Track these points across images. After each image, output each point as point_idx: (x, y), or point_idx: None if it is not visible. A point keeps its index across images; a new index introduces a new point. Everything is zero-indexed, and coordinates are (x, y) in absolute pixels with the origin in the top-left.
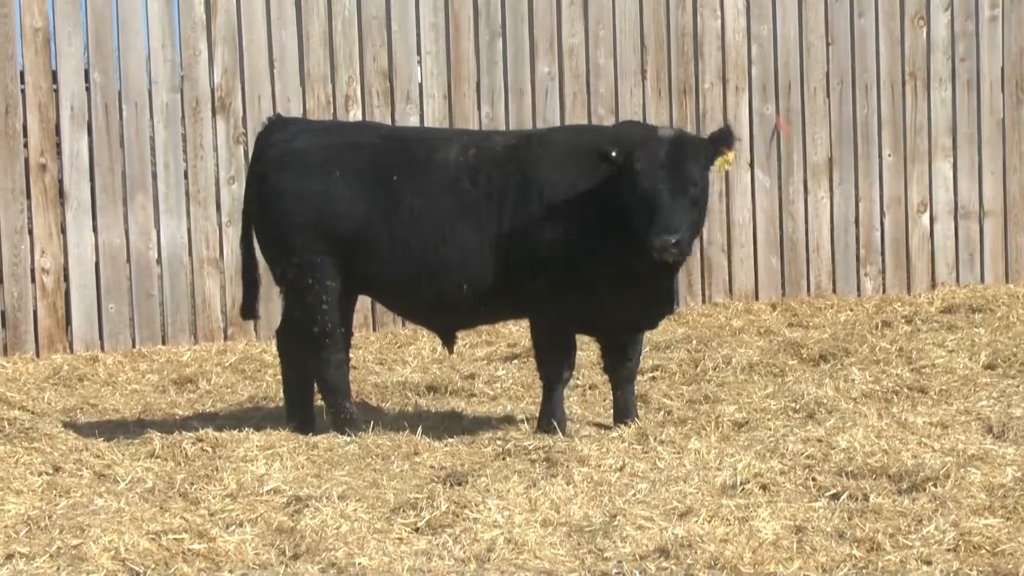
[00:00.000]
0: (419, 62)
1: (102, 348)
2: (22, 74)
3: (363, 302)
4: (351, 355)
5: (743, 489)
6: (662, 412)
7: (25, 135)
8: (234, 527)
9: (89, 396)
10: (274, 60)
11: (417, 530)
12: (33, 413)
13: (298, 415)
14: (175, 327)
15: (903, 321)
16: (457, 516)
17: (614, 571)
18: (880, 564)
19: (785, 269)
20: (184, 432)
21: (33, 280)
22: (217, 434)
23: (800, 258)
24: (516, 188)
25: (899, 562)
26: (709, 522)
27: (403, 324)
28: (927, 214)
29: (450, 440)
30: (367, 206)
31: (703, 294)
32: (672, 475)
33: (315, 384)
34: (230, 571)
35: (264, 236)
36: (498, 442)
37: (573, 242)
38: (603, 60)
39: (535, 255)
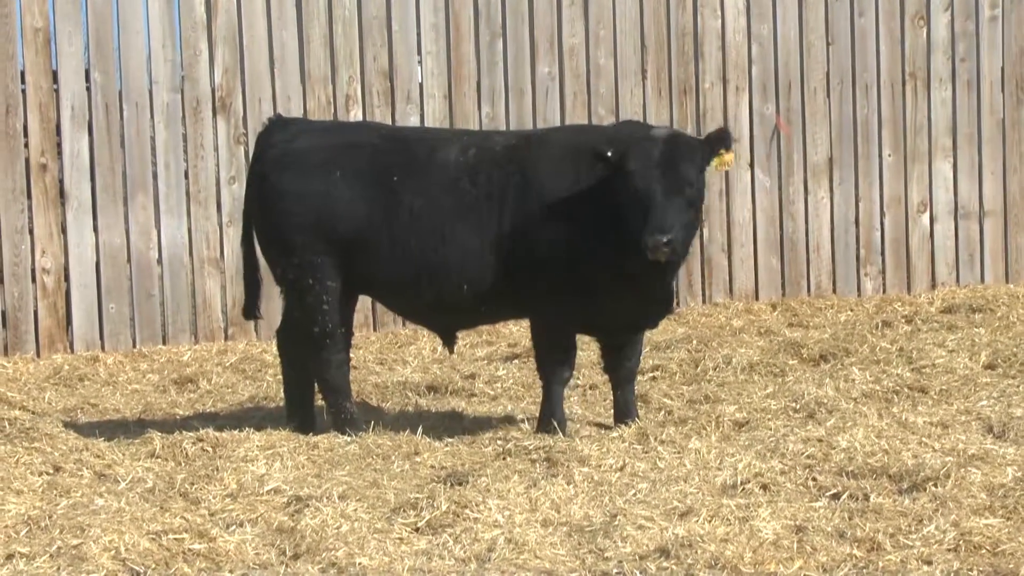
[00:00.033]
0: (419, 62)
1: (103, 348)
2: (23, 74)
3: (364, 302)
4: (351, 355)
5: (743, 489)
6: (662, 412)
7: (26, 135)
8: (234, 527)
9: (89, 396)
10: (275, 60)
11: (417, 530)
12: (34, 413)
13: (299, 415)
14: (176, 327)
15: (903, 321)
16: (457, 516)
17: (614, 571)
18: (880, 564)
19: (785, 269)
20: (184, 432)
21: (34, 280)
22: (217, 434)
23: (800, 258)
24: (516, 188)
25: (900, 562)
26: (710, 522)
27: (404, 324)
28: (927, 214)
29: (450, 440)
30: (367, 206)
31: (703, 294)
32: (672, 475)
33: (316, 384)
34: (230, 571)
35: (265, 236)
36: (498, 442)
37: (573, 242)
38: (603, 60)
39: (535, 255)
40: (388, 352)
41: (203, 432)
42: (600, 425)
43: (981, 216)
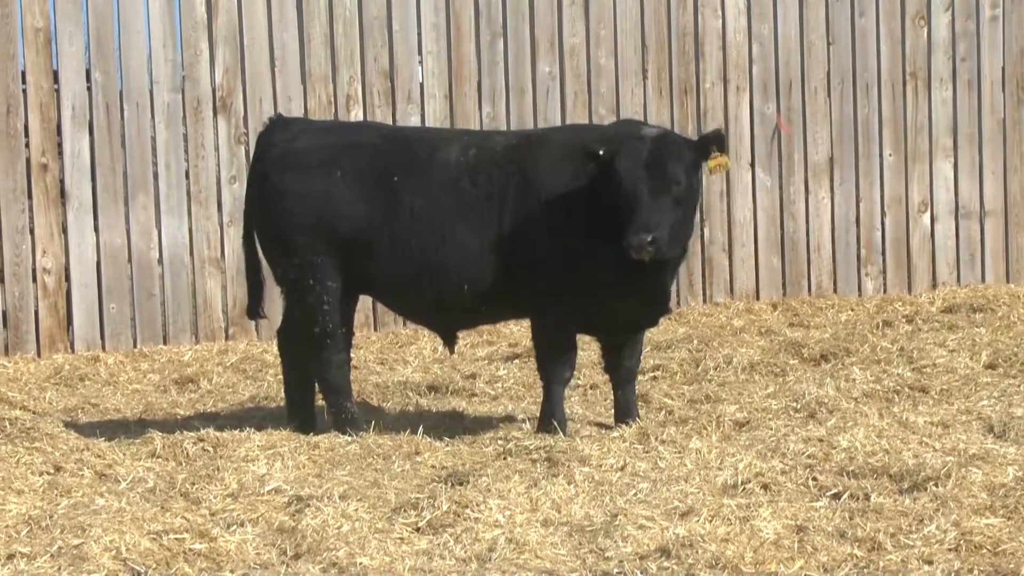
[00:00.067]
0: (420, 62)
1: (103, 348)
2: (23, 74)
3: (364, 302)
4: (352, 355)
5: (744, 489)
6: (663, 412)
7: (26, 135)
8: (235, 527)
9: (90, 396)
10: (275, 60)
11: (418, 530)
12: (34, 413)
13: (299, 415)
14: (176, 327)
15: (904, 321)
16: (458, 516)
17: (615, 571)
18: (881, 564)
19: (786, 269)
20: (185, 432)
21: (34, 280)
22: (218, 434)
23: (801, 258)
24: (516, 188)
25: (900, 562)
26: (710, 522)
27: (404, 324)
28: (928, 214)
29: (451, 440)
30: (368, 206)
31: (704, 294)
32: (673, 475)
33: (316, 384)
34: (231, 571)
35: (265, 236)
36: (499, 442)
37: (573, 242)
38: (604, 60)
39: (535, 255)
40: (389, 352)
41: (204, 432)
42: (601, 425)
43: (982, 216)
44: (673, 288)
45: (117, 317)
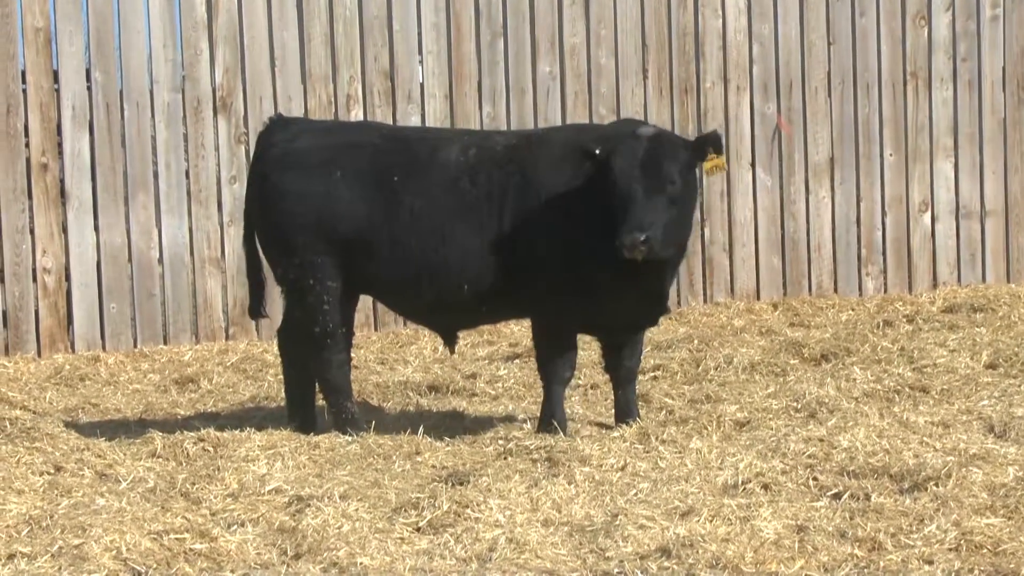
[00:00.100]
0: (420, 62)
1: (103, 348)
2: (23, 74)
3: (365, 301)
4: (353, 355)
5: (745, 489)
6: (664, 412)
7: (26, 135)
8: (236, 527)
9: (90, 396)
10: (275, 60)
11: (419, 530)
12: (34, 413)
13: (300, 415)
14: (176, 327)
15: (904, 321)
16: (459, 516)
17: (616, 571)
18: (882, 564)
19: (786, 269)
20: (186, 432)
21: (35, 280)
22: (219, 434)
23: (801, 258)
24: (516, 188)
25: (901, 562)
26: (711, 521)
27: (405, 324)
28: (928, 214)
29: (452, 440)
30: (368, 206)
31: (704, 294)
32: (674, 475)
33: (317, 384)
34: (232, 571)
35: (265, 236)
36: (500, 442)
37: (573, 242)
38: (604, 59)
39: (535, 254)
40: (389, 352)
41: (204, 432)
42: (601, 425)
43: (982, 216)
44: (674, 288)
45: (117, 317)
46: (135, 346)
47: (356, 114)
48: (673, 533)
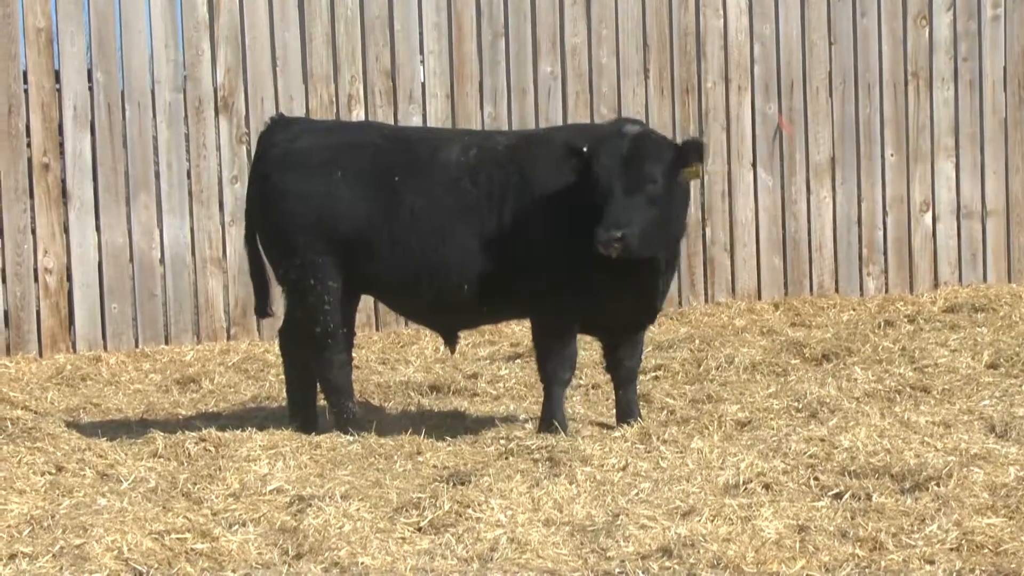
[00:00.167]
0: (422, 62)
1: (105, 348)
2: (25, 74)
3: (366, 301)
4: (354, 354)
5: (746, 488)
6: (665, 411)
7: (28, 135)
8: (237, 527)
9: (92, 396)
10: (277, 59)
11: (420, 530)
12: (36, 413)
13: (301, 415)
14: (178, 327)
15: (906, 320)
16: (460, 516)
17: (617, 570)
18: (883, 563)
19: (788, 268)
20: (187, 432)
21: (36, 280)
22: (220, 434)
23: (803, 257)
24: (516, 188)
25: (902, 561)
26: (712, 521)
27: (406, 324)
28: (930, 213)
29: (453, 440)
30: (369, 206)
31: (706, 293)
32: (675, 474)
33: (318, 384)
34: (233, 571)
35: (266, 236)
36: (501, 441)
37: (572, 242)
38: (606, 59)
39: (535, 254)
40: (390, 352)
41: (206, 432)
42: (602, 425)
43: (984, 215)
44: (675, 288)
45: (119, 317)
46: (136, 346)
47: (357, 114)
48: (674, 533)
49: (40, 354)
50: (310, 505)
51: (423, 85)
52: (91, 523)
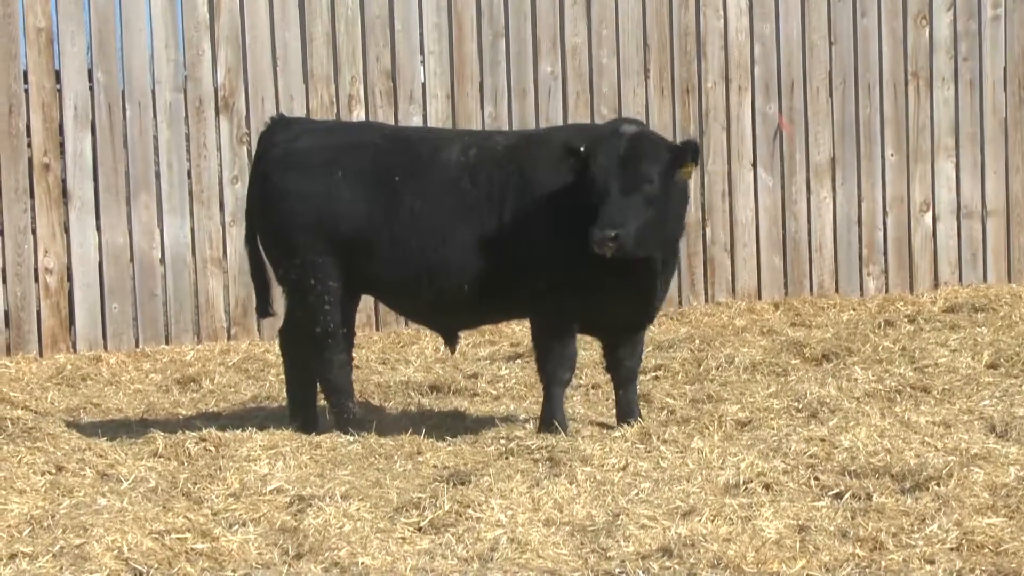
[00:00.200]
0: (422, 62)
1: (105, 348)
2: (25, 74)
3: (366, 301)
4: (354, 354)
5: (746, 488)
6: (665, 411)
7: (28, 135)
8: (237, 527)
9: (92, 396)
10: (277, 60)
11: (420, 529)
12: (36, 413)
13: (301, 415)
14: (178, 327)
15: (906, 320)
16: (460, 515)
17: (617, 570)
18: (883, 563)
19: (788, 268)
20: (187, 432)
21: (36, 280)
22: (220, 434)
23: (803, 257)
24: (515, 188)
25: (902, 561)
26: (712, 521)
27: (406, 323)
28: (930, 213)
29: (453, 440)
30: (369, 206)
31: (706, 293)
32: (675, 474)
33: (318, 384)
34: (233, 571)
35: (267, 236)
36: (501, 441)
37: (572, 241)
38: (606, 59)
39: (535, 254)
40: (391, 351)
41: (206, 432)
42: (603, 425)
43: (984, 215)
44: (675, 287)
45: (119, 317)
46: (137, 346)
47: (358, 114)
48: (675, 533)
49: (40, 354)
50: (310, 505)
51: (423, 85)
52: (91, 523)
